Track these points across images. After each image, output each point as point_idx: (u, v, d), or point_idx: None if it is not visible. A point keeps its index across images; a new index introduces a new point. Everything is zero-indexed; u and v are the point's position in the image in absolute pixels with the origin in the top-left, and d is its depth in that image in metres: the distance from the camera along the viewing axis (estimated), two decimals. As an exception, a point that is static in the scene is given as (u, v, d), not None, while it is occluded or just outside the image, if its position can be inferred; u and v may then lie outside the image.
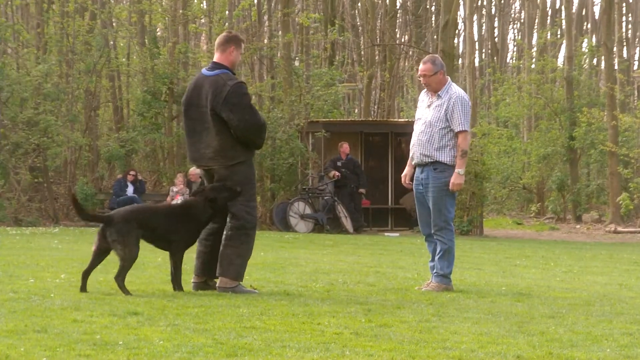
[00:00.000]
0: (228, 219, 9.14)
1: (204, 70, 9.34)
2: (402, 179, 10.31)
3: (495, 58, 52.31)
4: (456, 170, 9.85)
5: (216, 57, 9.30)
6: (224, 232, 9.12)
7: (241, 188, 9.08)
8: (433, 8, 44.17)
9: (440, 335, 6.71)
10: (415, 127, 10.13)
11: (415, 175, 10.13)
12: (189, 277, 9.34)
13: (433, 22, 42.85)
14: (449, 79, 10.08)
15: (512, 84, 40.87)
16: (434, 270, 9.96)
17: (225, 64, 9.22)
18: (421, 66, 10.05)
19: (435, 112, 9.91)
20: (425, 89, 10.11)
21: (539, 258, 16.51)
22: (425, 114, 10.00)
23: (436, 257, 9.93)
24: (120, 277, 8.68)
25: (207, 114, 9.08)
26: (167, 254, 9.21)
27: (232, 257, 9.05)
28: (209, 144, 9.12)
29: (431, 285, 9.90)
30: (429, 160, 9.91)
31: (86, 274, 8.75)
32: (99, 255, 8.82)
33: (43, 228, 22.62)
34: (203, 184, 9.59)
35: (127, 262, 8.73)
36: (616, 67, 34.93)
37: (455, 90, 9.95)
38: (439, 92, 9.94)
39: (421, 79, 10.05)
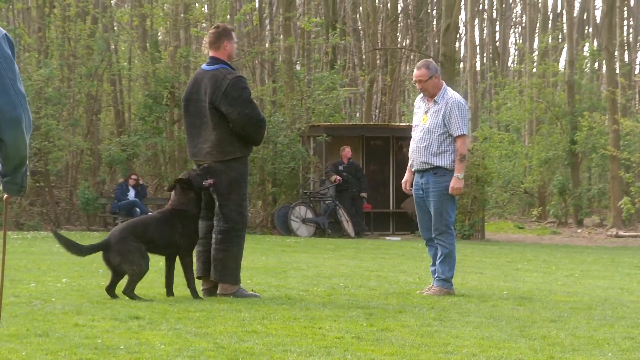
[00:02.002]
0: (217, 221, 9.04)
1: (203, 66, 9.37)
2: (403, 186, 10.30)
3: (496, 62, 52.30)
4: (455, 175, 9.85)
5: (212, 54, 9.31)
6: (214, 235, 9.03)
7: (234, 185, 8.99)
8: (434, 12, 44.13)
9: (441, 340, 6.71)
10: (413, 134, 10.12)
11: (414, 180, 10.12)
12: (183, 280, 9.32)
13: (434, 26, 42.79)
14: (444, 83, 10.10)
15: (514, 88, 40.86)
16: (436, 275, 9.96)
17: (223, 59, 9.23)
18: (416, 72, 10.04)
19: (433, 119, 9.90)
20: (421, 95, 10.12)
21: (540, 262, 16.50)
22: (422, 120, 10.00)
23: (437, 261, 9.93)
24: (128, 290, 8.61)
25: (206, 109, 9.04)
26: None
27: (227, 261, 9.00)
28: (207, 139, 9.06)
29: (433, 289, 9.90)
30: (429, 166, 9.91)
31: (110, 290, 8.67)
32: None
33: (44, 232, 22.61)
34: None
35: (136, 277, 8.67)
36: (617, 71, 34.87)
37: (451, 94, 9.95)
38: (435, 98, 9.93)
39: (417, 84, 10.05)
